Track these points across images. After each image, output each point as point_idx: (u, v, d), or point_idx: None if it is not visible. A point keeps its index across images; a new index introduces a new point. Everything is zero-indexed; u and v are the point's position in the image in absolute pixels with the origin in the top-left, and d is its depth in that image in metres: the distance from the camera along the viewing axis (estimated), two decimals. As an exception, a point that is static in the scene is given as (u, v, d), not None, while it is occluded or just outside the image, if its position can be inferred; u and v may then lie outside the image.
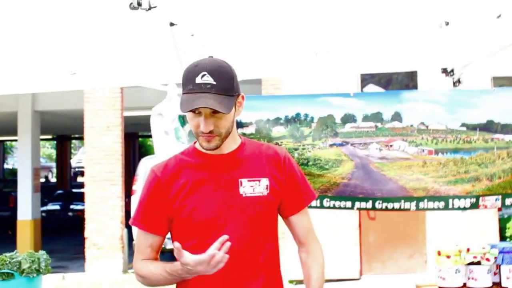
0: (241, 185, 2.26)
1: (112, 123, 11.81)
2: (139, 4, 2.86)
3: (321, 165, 4.23)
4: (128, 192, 12.58)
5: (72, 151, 35.01)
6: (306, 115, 4.23)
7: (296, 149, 4.22)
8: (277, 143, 4.25)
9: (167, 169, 2.30)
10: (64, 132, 25.80)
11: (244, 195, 2.25)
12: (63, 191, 22.87)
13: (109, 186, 11.84)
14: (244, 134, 4.17)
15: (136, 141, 27.42)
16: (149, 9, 2.91)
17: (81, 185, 24.22)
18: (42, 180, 23.13)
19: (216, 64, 2.18)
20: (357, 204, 4.18)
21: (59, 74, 4.60)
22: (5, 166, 33.99)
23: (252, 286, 2.27)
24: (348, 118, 4.22)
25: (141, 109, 14.55)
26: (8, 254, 3.50)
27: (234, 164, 2.28)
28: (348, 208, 4.20)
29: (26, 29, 3.73)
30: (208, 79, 2.13)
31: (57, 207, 20.33)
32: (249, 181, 2.26)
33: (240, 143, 2.34)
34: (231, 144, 2.30)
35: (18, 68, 4.51)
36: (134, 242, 9.56)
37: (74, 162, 35.67)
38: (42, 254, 3.49)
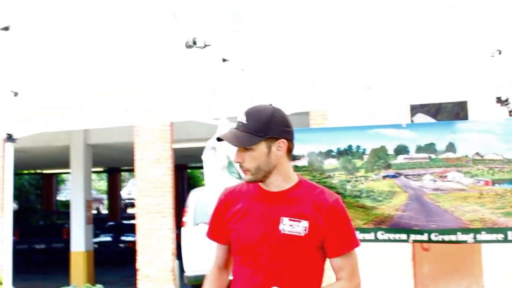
0: (281, 222, 2.46)
1: (162, 155, 11.95)
2: (194, 43, 2.93)
3: (374, 197, 4.19)
4: (178, 224, 12.67)
5: (122, 183, 35.53)
6: (358, 147, 4.22)
7: (349, 181, 4.19)
8: (329, 176, 4.23)
9: (232, 193, 2.63)
10: (115, 164, 26.22)
11: (282, 231, 2.45)
12: (114, 222, 23.16)
13: (159, 218, 11.94)
14: (296, 167, 4.17)
15: (185, 173, 27.66)
16: (204, 47, 2.97)
17: (132, 217, 24.55)
18: (94, 212, 23.46)
19: (259, 108, 2.49)
20: (412, 237, 4.11)
21: (112, 110, 4.71)
22: (58, 198, 34.66)
23: None
24: (401, 150, 4.18)
25: (190, 141, 14.72)
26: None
27: (281, 202, 2.49)
28: (403, 241, 4.14)
29: (82, 68, 3.85)
30: (242, 118, 2.46)
31: (108, 238, 20.57)
32: (290, 220, 2.45)
33: (294, 184, 2.53)
34: (283, 184, 2.51)
35: (72, 105, 4.64)
36: (184, 274, 9.54)
37: (124, 193, 36.20)
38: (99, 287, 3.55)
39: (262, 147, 2.44)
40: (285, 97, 4.37)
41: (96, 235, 19.35)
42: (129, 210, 33.03)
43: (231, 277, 2.67)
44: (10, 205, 5.11)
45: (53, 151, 16.66)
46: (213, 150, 4.10)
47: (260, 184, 2.53)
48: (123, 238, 20.19)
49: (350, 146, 4.22)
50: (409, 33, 3.58)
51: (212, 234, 2.70)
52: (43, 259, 21.25)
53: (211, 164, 4.10)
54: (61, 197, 36.99)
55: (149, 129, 11.82)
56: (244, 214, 2.53)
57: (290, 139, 2.50)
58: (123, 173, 33.89)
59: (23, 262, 20.39)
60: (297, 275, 2.47)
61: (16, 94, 4.33)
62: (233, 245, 2.58)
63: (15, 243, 20.40)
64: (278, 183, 2.51)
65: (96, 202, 34.30)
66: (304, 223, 2.44)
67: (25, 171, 29.64)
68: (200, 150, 4.52)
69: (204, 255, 10.93)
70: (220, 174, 4.04)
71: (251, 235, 2.49)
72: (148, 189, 12.05)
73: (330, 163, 4.23)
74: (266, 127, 2.43)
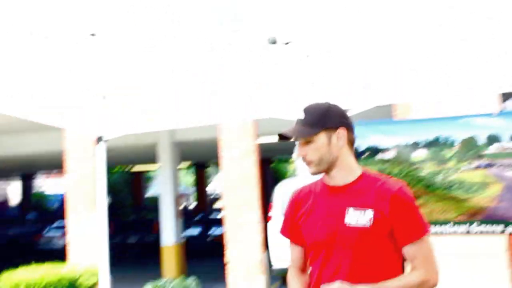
0: (347, 214, 2.49)
1: (247, 150, 12.07)
2: (274, 42, 2.94)
3: (466, 188, 4.07)
4: (264, 217, 12.77)
5: (208, 177, 36.12)
6: (447, 138, 4.10)
7: (438, 173, 4.09)
8: (417, 167, 4.14)
9: (302, 192, 2.70)
10: (201, 159, 26.70)
11: (347, 225, 2.47)
12: (202, 216, 23.58)
13: (246, 212, 12.07)
14: (383, 160, 4.11)
15: (269, 166, 27.81)
16: (287, 43, 2.97)
17: (219, 210, 24.91)
18: (182, 206, 24.00)
19: (315, 104, 2.60)
20: (510, 228, 3.96)
21: (196, 109, 4.79)
22: (146, 195, 35.68)
23: None
24: (493, 139, 4.03)
25: (274, 135, 14.79)
26: (160, 282, 3.66)
27: (346, 195, 2.53)
28: (499, 233, 4.00)
29: (167, 71, 3.93)
30: (301, 115, 2.58)
31: (197, 232, 20.96)
32: (354, 210, 2.47)
33: (358, 176, 2.56)
34: (347, 176, 2.56)
35: (160, 106, 4.75)
36: (272, 267, 9.63)
37: (211, 188, 36.80)
38: (192, 280, 3.61)
39: (322, 138, 2.52)
40: (368, 90, 4.31)
41: (184, 229, 19.80)
42: (216, 205, 33.56)
43: None
44: (104, 201, 5.32)
45: (142, 149, 17.16)
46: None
47: (326, 180, 2.60)
48: (210, 231, 20.53)
49: (438, 137, 4.12)
50: (496, 19, 3.43)
51: (285, 231, 2.77)
52: (136, 253, 21.93)
53: (301, 162, 4.09)
54: (149, 194, 38.07)
55: (233, 126, 11.96)
56: (312, 211, 2.60)
57: (349, 129, 2.57)
58: (209, 168, 34.47)
59: (117, 256, 21.14)
60: (368, 268, 2.48)
61: (104, 97, 4.47)
62: (306, 243, 2.64)
63: (110, 237, 21.13)
64: (341, 176, 2.56)
65: (184, 197, 35.06)
66: (369, 213, 2.46)
67: (115, 169, 30.67)
68: (285, 143, 4.52)
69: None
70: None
71: (317, 232, 2.56)
72: (234, 183, 12.20)
73: (418, 155, 4.14)
74: (324, 118, 2.53)
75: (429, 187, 4.09)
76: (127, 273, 15.65)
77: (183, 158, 19.78)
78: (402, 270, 2.54)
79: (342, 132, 2.55)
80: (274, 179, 27.55)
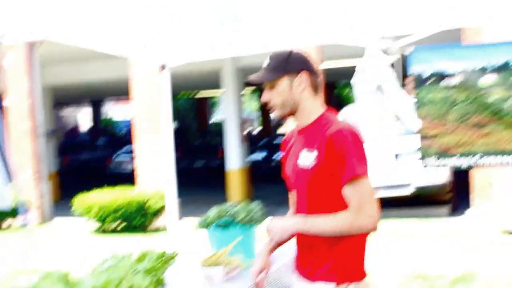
0: (300, 155, 2.62)
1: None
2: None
3: (535, 114, 3.94)
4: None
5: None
6: (517, 63, 3.95)
7: (507, 99, 3.97)
8: (484, 93, 4.04)
9: (288, 135, 2.84)
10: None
11: (298, 166, 2.62)
12: (266, 141, 23.77)
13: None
14: (448, 86, 4.02)
15: (333, 91, 27.61)
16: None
17: (283, 135, 25.06)
18: (247, 131, 24.26)
19: (279, 50, 2.69)
20: None
21: (261, 35, 4.76)
22: (211, 120, 36.16)
23: (311, 247, 2.61)
24: None
25: (338, 58, 14.59)
26: (225, 205, 3.76)
27: (302, 137, 2.66)
28: None
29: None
30: (265, 62, 2.68)
31: (261, 157, 21.20)
32: (306, 151, 2.59)
33: (315, 119, 2.65)
34: (306, 119, 2.67)
35: (224, 33, 4.75)
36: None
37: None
38: (257, 205, 3.70)
39: (283, 83, 2.63)
40: (435, 13, 4.17)
41: (249, 154, 20.08)
42: (280, 130, 33.76)
43: None
44: (170, 127, 5.46)
45: (206, 75, 17.30)
46: (363, 71, 4.05)
47: (296, 121, 2.72)
48: (275, 156, 20.73)
49: (508, 62, 3.97)
50: None
51: (282, 173, 2.89)
52: (201, 177, 22.46)
53: (361, 87, 4.06)
54: (214, 119, 38.57)
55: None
56: (288, 152, 2.79)
57: (311, 73, 2.64)
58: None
59: (183, 180, 21.73)
60: (323, 207, 2.57)
61: (167, 25, 4.50)
62: None
63: (176, 162, 21.70)
64: (302, 119, 2.68)
65: (249, 122, 35.36)
66: (314, 154, 2.55)
67: (181, 94, 31.09)
68: (348, 68, 4.48)
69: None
70: (369, 97, 4.00)
71: (287, 171, 2.76)
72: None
73: (486, 81, 4.02)
74: (285, 63, 2.63)
75: (496, 114, 3.98)
76: (193, 197, 16.11)
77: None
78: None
79: (303, 76, 2.63)
80: (338, 104, 27.40)
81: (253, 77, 2.70)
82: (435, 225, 10.59)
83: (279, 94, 2.65)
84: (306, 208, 2.63)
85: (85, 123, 40.10)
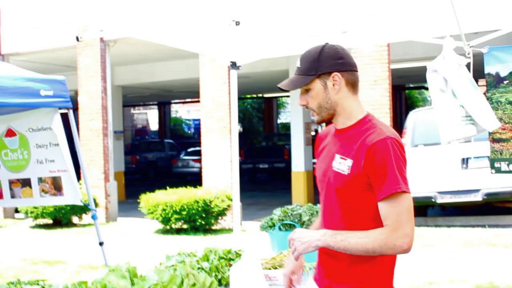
0: (335, 158, 2.46)
1: (379, 76, 11.78)
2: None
3: None
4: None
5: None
6: None
7: None
8: None
9: (323, 132, 2.71)
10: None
11: (333, 168, 2.45)
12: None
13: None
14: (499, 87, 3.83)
15: (402, 93, 27.12)
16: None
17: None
18: (313, 133, 24.16)
19: (309, 49, 2.52)
20: None
21: (329, 33, 4.69)
22: (279, 121, 36.20)
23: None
24: None
25: (408, 61, 14.29)
26: (289, 207, 3.71)
27: (339, 139, 2.51)
28: None
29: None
30: (297, 63, 2.53)
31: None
32: (340, 155, 2.44)
33: (356, 121, 2.49)
34: (346, 121, 2.50)
35: (292, 31, 4.71)
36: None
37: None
38: (321, 207, 3.63)
39: (317, 85, 2.46)
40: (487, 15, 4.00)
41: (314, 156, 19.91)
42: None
43: None
44: (235, 128, 5.43)
45: (273, 76, 17.30)
46: (435, 72, 3.91)
47: (336, 124, 2.56)
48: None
49: None
50: None
51: (315, 170, 2.75)
52: (266, 178, 22.51)
53: (435, 87, 3.92)
54: (281, 120, 38.59)
55: (366, 51, 11.66)
56: (322, 151, 2.63)
57: (346, 71, 2.48)
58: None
59: (248, 181, 21.82)
60: (346, 216, 2.43)
61: (237, 23, 4.49)
62: None
63: (241, 163, 21.94)
64: (342, 120, 2.52)
65: (315, 124, 35.19)
66: (349, 162, 2.40)
67: (248, 95, 31.26)
68: (418, 69, 4.35)
69: (423, 176, 10.80)
70: (442, 97, 3.86)
71: (318, 171, 2.59)
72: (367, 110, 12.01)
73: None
74: (316, 64, 2.46)
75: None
76: (258, 198, 16.16)
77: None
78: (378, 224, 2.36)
79: (337, 75, 2.46)
80: (407, 106, 26.88)
81: (283, 84, 2.54)
82: (506, 233, 10.21)
83: (314, 97, 2.49)
84: (336, 217, 2.47)
85: (154, 123, 40.91)
